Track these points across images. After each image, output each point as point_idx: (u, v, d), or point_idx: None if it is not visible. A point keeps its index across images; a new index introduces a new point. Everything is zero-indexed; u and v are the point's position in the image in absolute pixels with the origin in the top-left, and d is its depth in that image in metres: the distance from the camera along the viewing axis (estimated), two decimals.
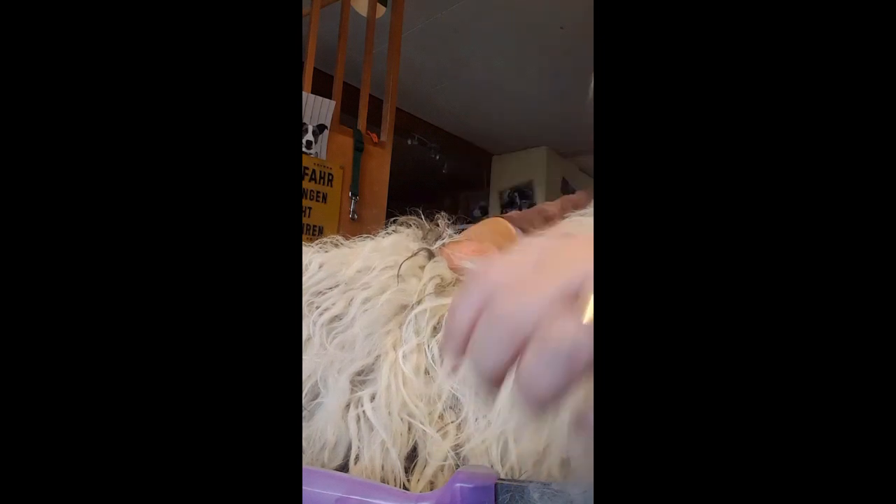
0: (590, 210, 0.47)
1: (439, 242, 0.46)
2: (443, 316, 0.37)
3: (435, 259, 0.41)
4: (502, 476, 0.30)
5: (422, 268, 0.41)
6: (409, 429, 0.32)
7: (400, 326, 0.36)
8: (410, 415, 0.32)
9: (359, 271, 0.41)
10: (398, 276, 0.39)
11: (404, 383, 0.34)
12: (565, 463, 0.29)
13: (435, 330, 0.36)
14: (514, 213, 0.68)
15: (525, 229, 0.53)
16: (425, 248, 0.42)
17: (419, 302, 0.37)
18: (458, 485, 0.25)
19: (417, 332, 0.36)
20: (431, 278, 0.39)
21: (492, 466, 0.31)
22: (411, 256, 0.41)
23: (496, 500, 0.25)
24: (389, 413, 0.32)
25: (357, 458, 0.32)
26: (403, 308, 0.38)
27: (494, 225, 0.58)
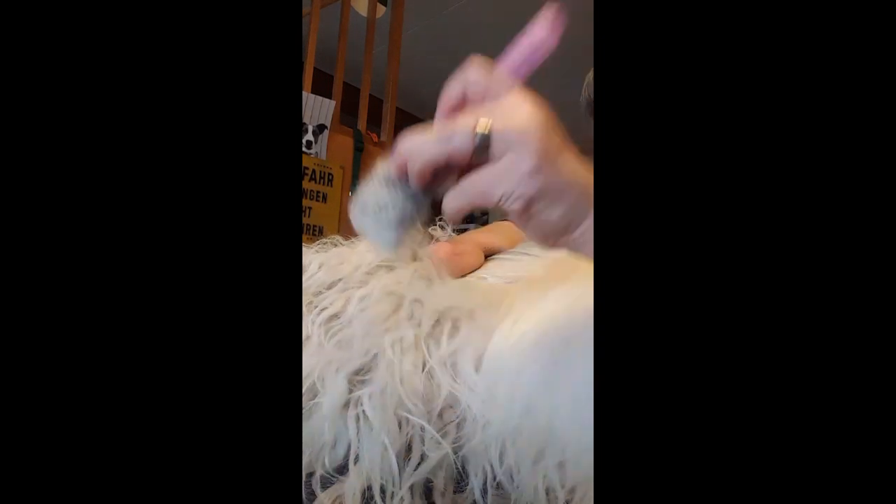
0: None
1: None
2: (441, 312, 0.37)
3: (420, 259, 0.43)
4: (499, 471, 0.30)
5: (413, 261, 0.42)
6: (407, 423, 0.33)
7: (398, 325, 0.37)
8: (408, 411, 0.32)
9: (356, 269, 0.41)
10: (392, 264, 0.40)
11: (402, 381, 0.34)
12: (562, 466, 0.29)
13: (434, 325, 0.37)
14: None
15: None
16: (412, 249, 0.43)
17: (411, 286, 0.38)
18: None
19: (409, 318, 0.36)
20: (416, 269, 0.40)
21: (491, 468, 0.31)
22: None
23: None
24: (386, 412, 0.33)
25: (357, 458, 0.32)
26: (400, 306, 0.38)
27: (504, 226, 0.59)
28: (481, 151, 0.24)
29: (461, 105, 0.27)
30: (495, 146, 0.24)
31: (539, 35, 0.27)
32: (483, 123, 0.24)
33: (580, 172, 0.25)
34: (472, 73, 0.26)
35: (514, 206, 0.24)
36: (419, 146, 0.26)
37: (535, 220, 0.25)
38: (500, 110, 0.25)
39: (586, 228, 0.25)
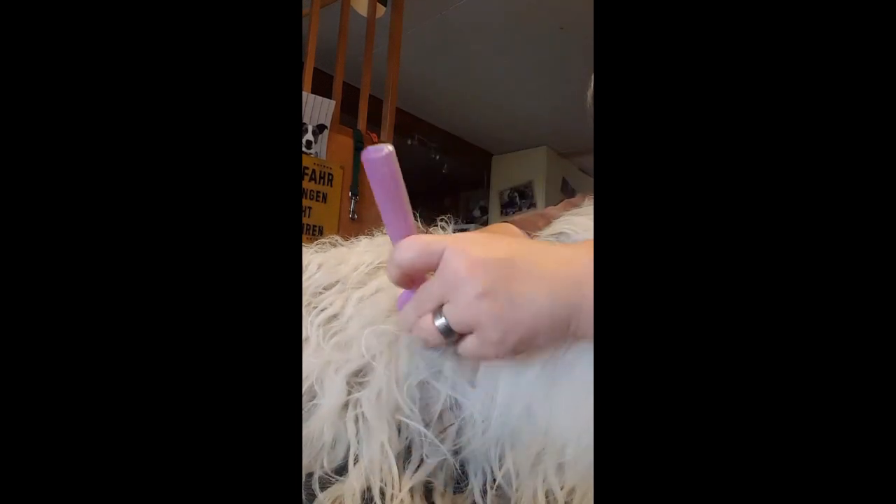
0: (582, 209, 0.48)
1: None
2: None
3: None
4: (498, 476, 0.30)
5: None
6: (406, 425, 0.32)
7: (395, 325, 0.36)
8: (406, 416, 0.32)
9: (355, 270, 0.41)
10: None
11: (398, 384, 0.33)
12: (561, 468, 0.29)
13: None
14: (518, 216, 0.70)
15: (528, 231, 0.53)
16: None
17: None
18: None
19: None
20: None
21: (491, 470, 0.31)
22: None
23: None
24: (385, 414, 0.32)
25: (356, 458, 0.32)
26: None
27: (503, 228, 0.59)
28: (451, 334, 0.29)
29: (412, 280, 0.31)
30: (457, 328, 0.28)
31: (382, 169, 0.28)
32: (438, 317, 0.28)
33: (539, 299, 0.27)
34: (400, 258, 0.29)
35: (505, 358, 0.29)
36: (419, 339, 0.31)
37: (526, 350, 0.29)
38: (446, 288, 0.28)
39: (575, 328, 0.28)
